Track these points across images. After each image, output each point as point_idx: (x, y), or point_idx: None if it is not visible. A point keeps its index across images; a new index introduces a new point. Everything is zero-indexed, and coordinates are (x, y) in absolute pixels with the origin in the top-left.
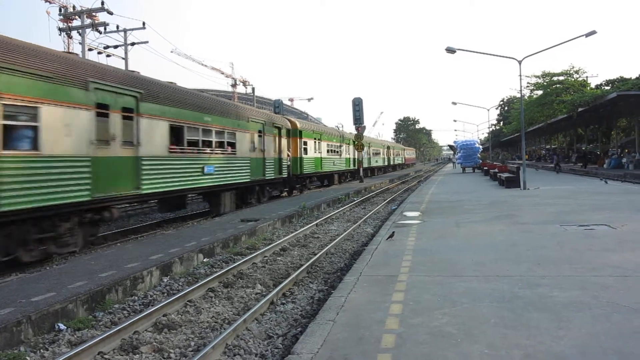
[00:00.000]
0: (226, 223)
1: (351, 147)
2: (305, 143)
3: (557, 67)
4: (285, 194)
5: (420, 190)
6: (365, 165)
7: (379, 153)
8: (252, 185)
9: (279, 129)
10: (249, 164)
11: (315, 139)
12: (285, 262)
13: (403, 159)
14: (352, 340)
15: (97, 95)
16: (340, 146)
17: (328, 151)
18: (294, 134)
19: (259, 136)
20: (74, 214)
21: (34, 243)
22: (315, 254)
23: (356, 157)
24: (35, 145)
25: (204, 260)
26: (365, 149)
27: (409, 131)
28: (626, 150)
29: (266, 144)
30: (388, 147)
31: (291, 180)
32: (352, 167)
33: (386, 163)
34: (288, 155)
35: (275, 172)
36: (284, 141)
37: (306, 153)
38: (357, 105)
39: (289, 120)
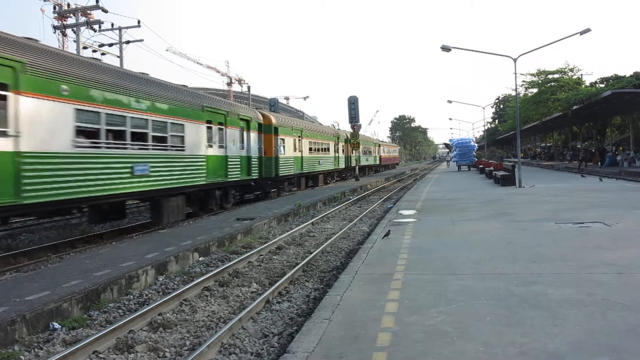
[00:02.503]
0: (222, 222)
1: (252, 134)
2: None
3: (552, 65)
4: None
5: (416, 189)
6: (292, 170)
7: (328, 149)
8: None
9: None
10: None
11: None
12: (281, 260)
13: (376, 159)
14: (348, 338)
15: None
16: (184, 126)
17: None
18: None
19: None
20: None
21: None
22: (311, 253)
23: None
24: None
25: (200, 259)
26: (290, 142)
27: (404, 129)
28: (620, 148)
29: None
30: (347, 142)
31: None
32: (249, 174)
33: (342, 165)
34: None
35: None
36: None
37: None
38: (353, 103)
39: None
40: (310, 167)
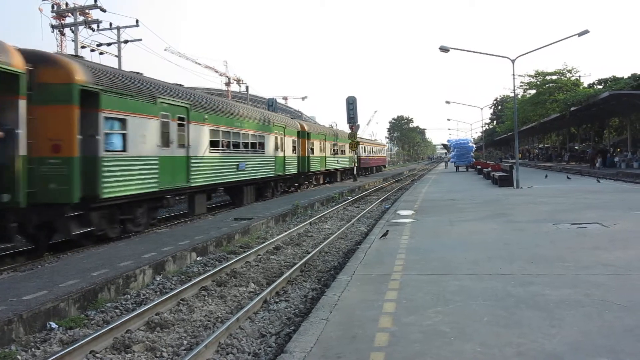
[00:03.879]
0: (220, 222)
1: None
2: None
3: (550, 66)
4: None
5: (414, 189)
6: (153, 183)
7: (262, 145)
8: None
9: None
10: None
11: None
12: (279, 260)
13: (352, 160)
14: (345, 338)
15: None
16: None
17: None
18: None
19: None
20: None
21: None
22: (309, 253)
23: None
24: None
25: (197, 258)
26: (151, 127)
27: (402, 130)
28: (618, 150)
29: None
30: (309, 135)
31: None
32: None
33: (292, 169)
34: None
35: None
36: None
37: None
38: (351, 104)
39: None
40: (213, 174)
